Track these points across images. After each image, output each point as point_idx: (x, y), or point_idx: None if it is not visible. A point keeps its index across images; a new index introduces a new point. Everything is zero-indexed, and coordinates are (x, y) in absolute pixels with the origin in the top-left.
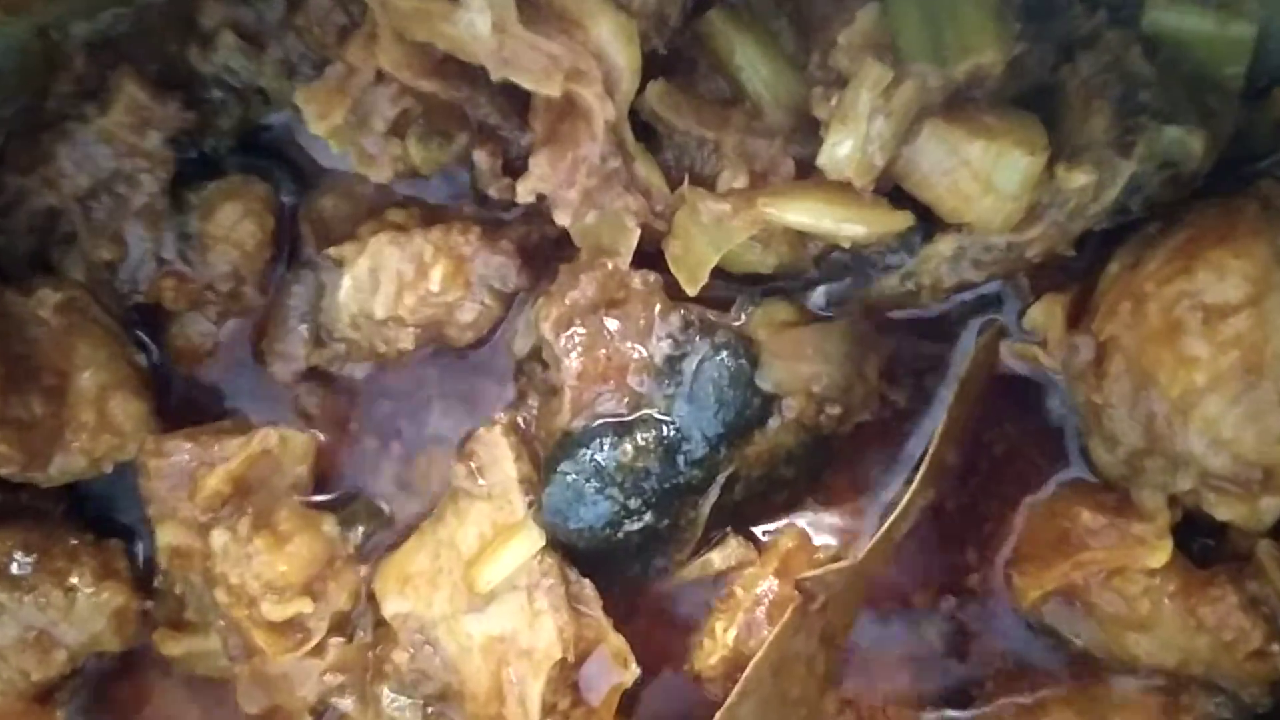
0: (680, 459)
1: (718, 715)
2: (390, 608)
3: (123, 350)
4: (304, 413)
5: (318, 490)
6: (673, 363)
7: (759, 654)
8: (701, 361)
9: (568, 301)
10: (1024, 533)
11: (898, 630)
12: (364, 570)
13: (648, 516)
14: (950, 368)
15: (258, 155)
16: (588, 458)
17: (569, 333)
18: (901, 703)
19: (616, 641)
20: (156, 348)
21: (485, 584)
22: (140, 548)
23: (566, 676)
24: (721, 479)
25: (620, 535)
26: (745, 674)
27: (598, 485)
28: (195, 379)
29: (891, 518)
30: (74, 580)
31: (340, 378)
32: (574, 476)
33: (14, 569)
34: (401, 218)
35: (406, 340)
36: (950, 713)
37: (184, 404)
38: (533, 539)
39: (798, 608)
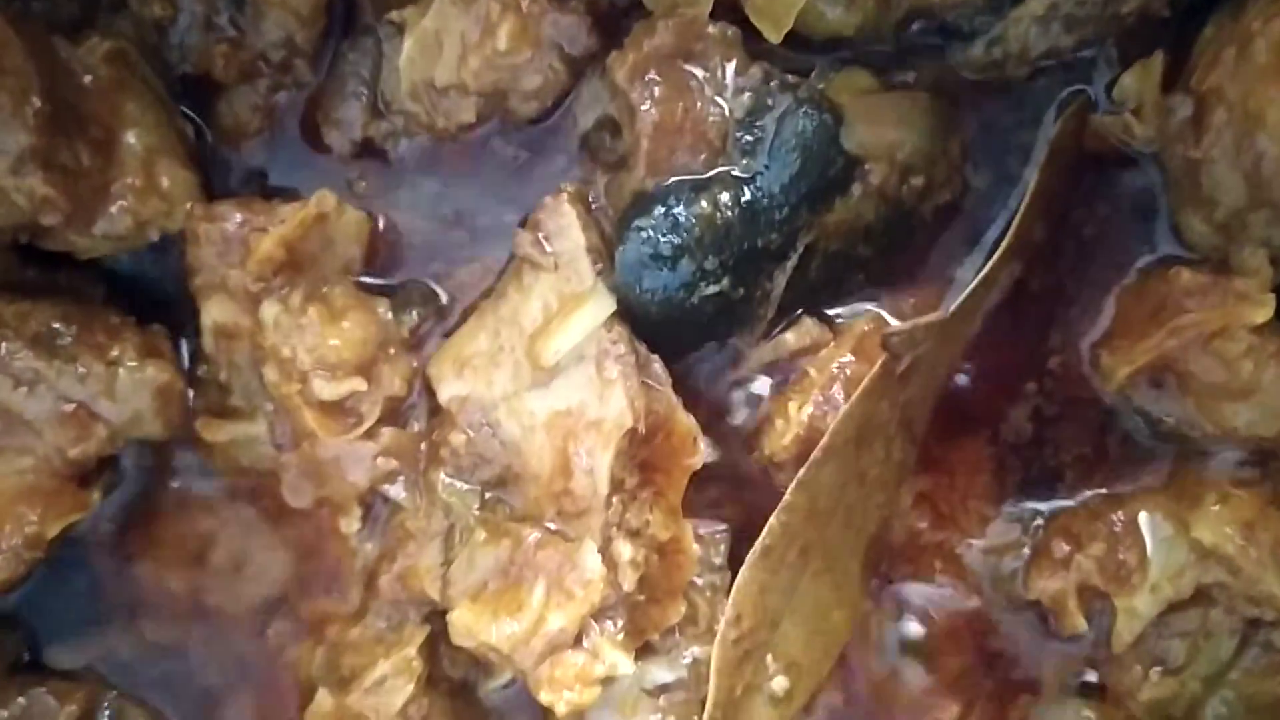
0: (760, 219)
1: (799, 474)
2: (447, 391)
3: (170, 119)
4: (356, 194)
5: (369, 275)
6: (753, 117)
7: (841, 414)
8: (783, 116)
9: (645, 49)
10: (1114, 313)
11: (977, 420)
12: (418, 359)
13: (724, 281)
14: (1035, 147)
15: None
16: (664, 212)
17: (646, 80)
18: (980, 496)
19: (686, 421)
20: (204, 125)
21: (551, 356)
22: (182, 344)
23: (635, 454)
24: (800, 247)
25: (695, 301)
26: (827, 436)
27: (674, 242)
28: (242, 159)
29: (980, 274)
30: (116, 353)
31: (395, 158)
32: (650, 232)
33: (52, 338)
34: None
35: (468, 111)
36: (1031, 504)
37: (230, 186)
38: (604, 304)
39: (882, 367)
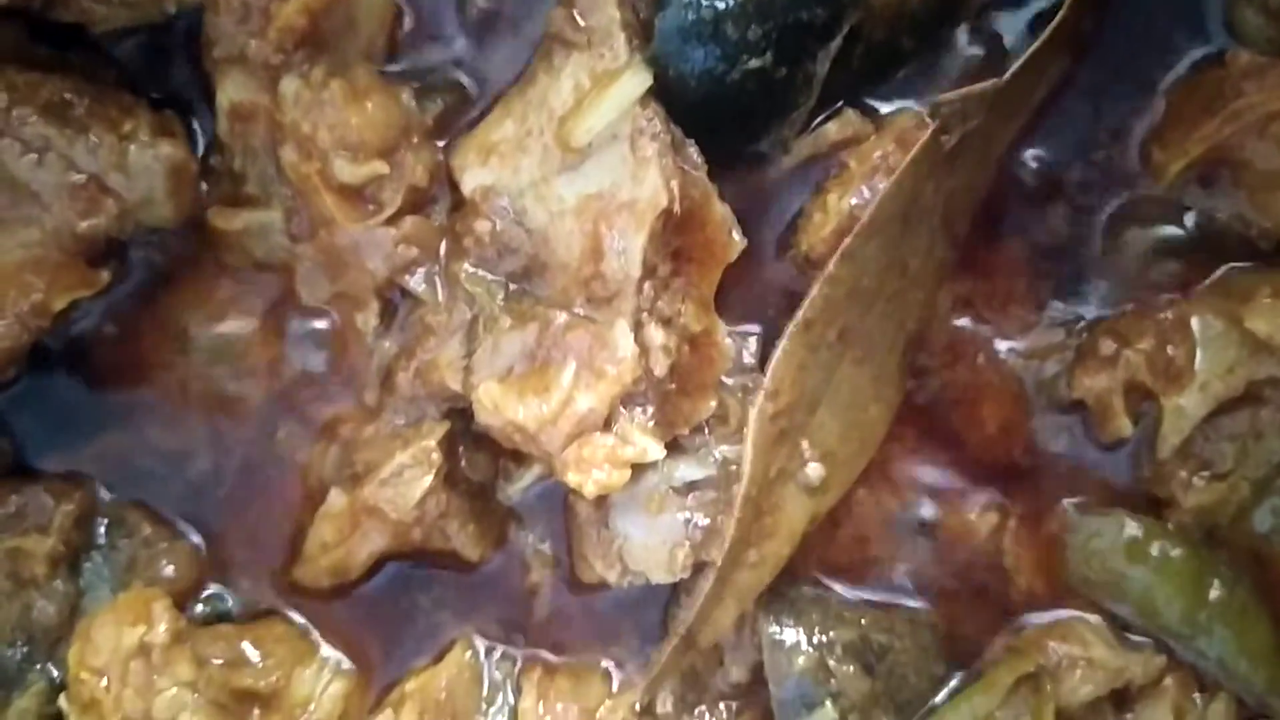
0: None
1: (844, 244)
2: (471, 181)
3: None
4: None
5: (392, 64)
6: None
7: (886, 187)
8: None
9: None
10: (1166, 108)
11: (1019, 221)
12: (441, 150)
13: (767, 56)
14: None
15: None
16: None
17: None
18: (1022, 301)
19: (721, 210)
20: None
21: (583, 136)
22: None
23: (669, 241)
24: (845, 27)
25: (736, 76)
26: (872, 208)
27: (718, 7)
28: None
29: (1030, 50)
30: (129, 128)
31: None
32: None
33: (65, 108)
34: None
35: None
36: (1075, 308)
37: None
38: (640, 78)
39: (931, 139)
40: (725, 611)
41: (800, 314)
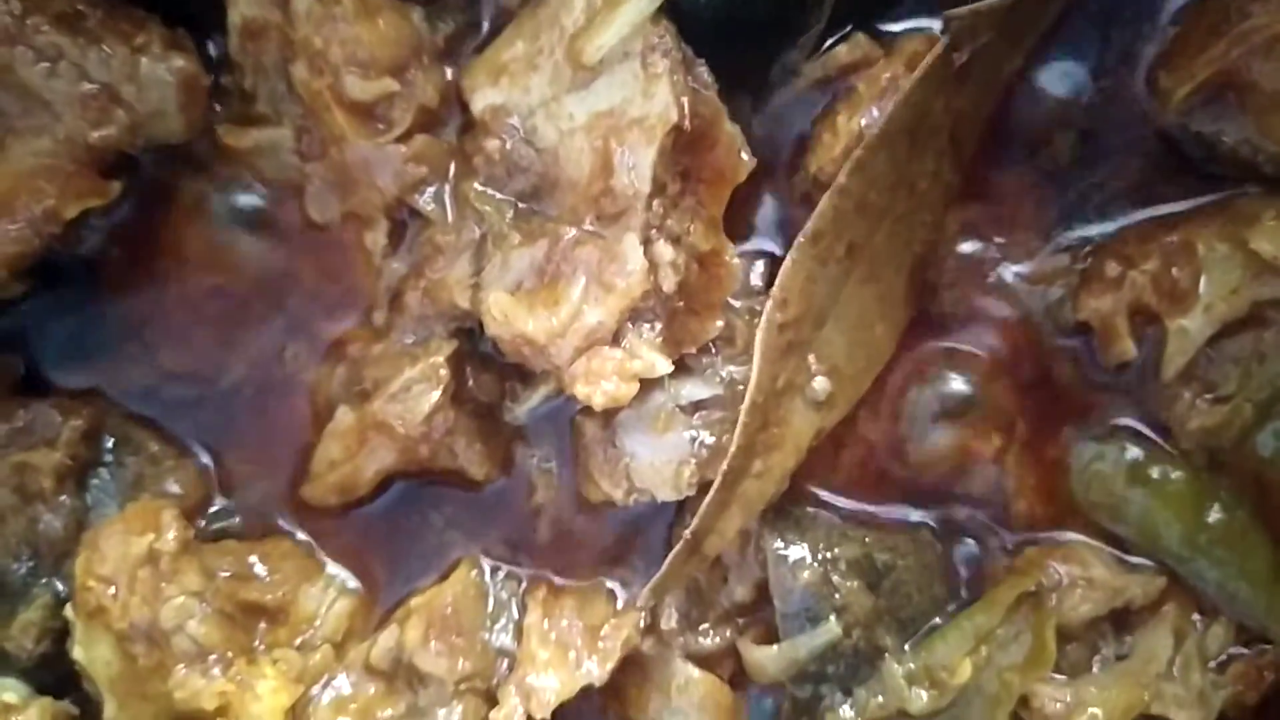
0: None
1: (854, 154)
2: (481, 101)
3: None
4: None
5: None
6: None
7: (896, 100)
8: None
9: None
10: (1173, 33)
11: (1024, 146)
12: (451, 71)
13: None
14: None
15: None
16: None
17: None
18: (1027, 225)
19: (731, 129)
20: None
21: (594, 53)
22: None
23: (679, 160)
24: None
25: None
26: (882, 121)
27: None
28: None
29: None
30: (141, 41)
31: None
32: None
33: (78, 19)
34: None
35: None
36: (1080, 232)
37: None
38: None
39: (941, 54)
40: (730, 520)
41: (809, 224)
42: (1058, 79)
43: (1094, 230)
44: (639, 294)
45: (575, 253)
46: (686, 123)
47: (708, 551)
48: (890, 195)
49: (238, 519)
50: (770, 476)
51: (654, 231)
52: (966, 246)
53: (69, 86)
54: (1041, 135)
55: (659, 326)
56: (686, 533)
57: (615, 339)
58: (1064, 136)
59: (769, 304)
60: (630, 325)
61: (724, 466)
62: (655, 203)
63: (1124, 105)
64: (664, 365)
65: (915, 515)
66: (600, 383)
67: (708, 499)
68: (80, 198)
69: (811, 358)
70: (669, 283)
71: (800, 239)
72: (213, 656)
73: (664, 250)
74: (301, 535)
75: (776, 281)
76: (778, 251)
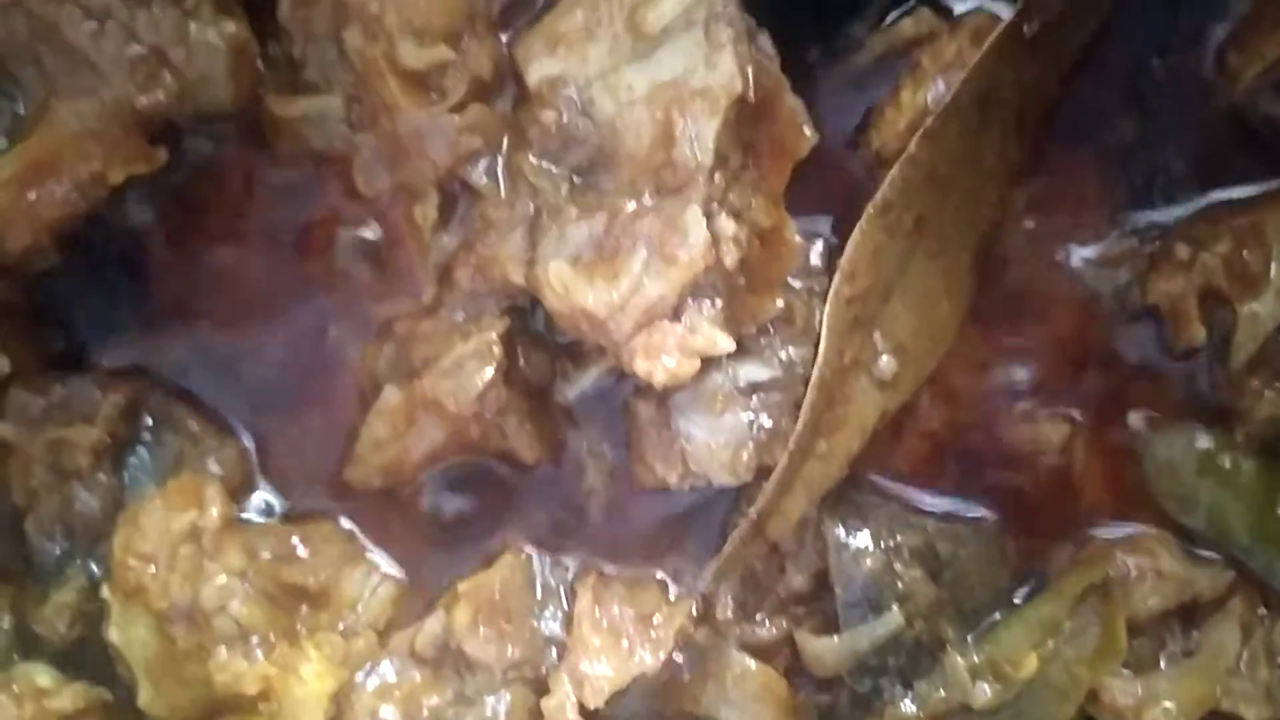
0: None
1: (925, 125)
2: (537, 72)
3: None
4: None
5: None
6: None
7: (968, 70)
8: None
9: None
10: (1244, 11)
11: (1092, 125)
12: (506, 43)
13: None
14: None
15: None
16: None
17: None
18: (1095, 206)
19: (793, 103)
20: None
21: (657, 22)
22: None
23: (742, 133)
24: None
25: None
26: (952, 92)
27: None
28: None
29: None
30: (191, 3)
31: None
32: None
33: None
34: None
35: None
36: (1149, 214)
37: None
38: None
39: (1013, 22)
40: (794, 502)
41: (879, 195)
42: (1128, 56)
43: (1162, 212)
44: (702, 267)
45: (635, 225)
46: (751, 93)
47: (771, 534)
48: (959, 167)
49: (278, 504)
50: (834, 458)
51: (715, 205)
52: (1032, 225)
53: (116, 48)
54: (1106, 113)
55: (719, 303)
56: (751, 512)
57: (675, 314)
58: (1133, 115)
59: (837, 276)
60: (691, 301)
61: (790, 445)
62: (717, 175)
63: (1191, 84)
64: (726, 343)
65: (977, 503)
66: (661, 357)
67: (772, 478)
68: (128, 163)
69: (878, 335)
70: (731, 258)
71: (869, 209)
72: (255, 638)
73: (726, 224)
74: (344, 520)
75: (844, 253)
76: (839, 228)
